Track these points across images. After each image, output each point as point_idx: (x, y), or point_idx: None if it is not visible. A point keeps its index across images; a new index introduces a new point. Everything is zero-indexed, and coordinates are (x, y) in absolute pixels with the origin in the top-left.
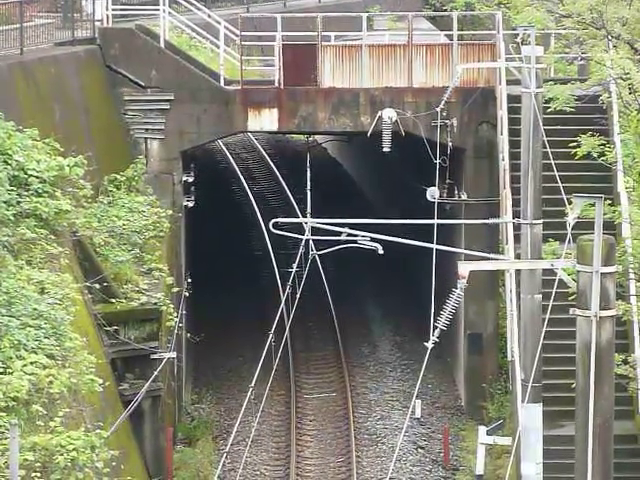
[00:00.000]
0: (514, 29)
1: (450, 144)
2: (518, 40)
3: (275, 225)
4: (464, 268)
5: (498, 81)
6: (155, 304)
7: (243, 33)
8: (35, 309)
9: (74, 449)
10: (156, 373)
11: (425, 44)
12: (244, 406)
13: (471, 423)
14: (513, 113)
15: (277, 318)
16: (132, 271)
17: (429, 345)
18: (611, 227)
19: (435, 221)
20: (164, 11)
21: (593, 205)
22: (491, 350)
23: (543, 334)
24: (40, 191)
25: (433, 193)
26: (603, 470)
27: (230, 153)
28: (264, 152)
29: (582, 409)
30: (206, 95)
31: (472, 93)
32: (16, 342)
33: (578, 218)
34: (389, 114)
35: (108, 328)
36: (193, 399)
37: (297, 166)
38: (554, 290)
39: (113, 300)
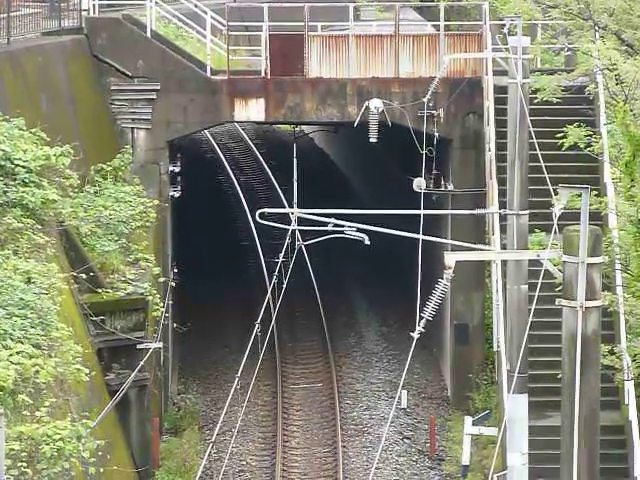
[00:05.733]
0: (501, 19)
1: (437, 135)
2: (505, 31)
3: (261, 215)
4: (450, 258)
5: (485, 72)
6: (141, 294)
7: (230, 23)
8: (21, 299)
9: (60, 439)
10: (142, 363)
11: (412, 34)
12: (230, 396)
13: (457, 413)
14: (500, 104)
15: (263, 308)
16: (118, 261)
17: (415, 335)
18: (597, 218)
19: (421, 211)
20: (151, 0)
21: (579, 196)
22: (477, 340)
23: (529, 325)
24: (27, 181)
25: (419, 184)
26: (589, 461)
27: (217, 143)
28: (251, 142)
29: (568, 400)
30: (193, 85)
31: (459, 84)
32: (2, 332)
33: (564, 209)
34: (376, 104)
35: (94, 318)
36: (179, 389)
37: (284, 156)
38: (540, 281)
39: (99, 290)
